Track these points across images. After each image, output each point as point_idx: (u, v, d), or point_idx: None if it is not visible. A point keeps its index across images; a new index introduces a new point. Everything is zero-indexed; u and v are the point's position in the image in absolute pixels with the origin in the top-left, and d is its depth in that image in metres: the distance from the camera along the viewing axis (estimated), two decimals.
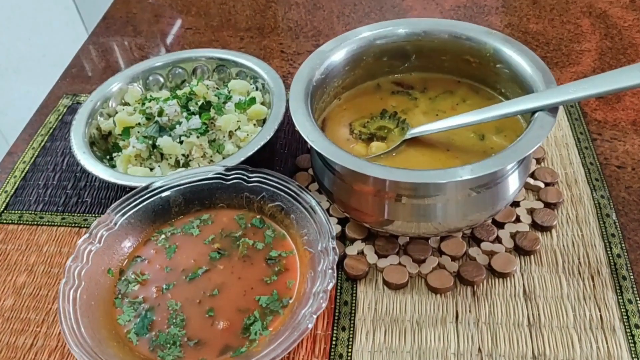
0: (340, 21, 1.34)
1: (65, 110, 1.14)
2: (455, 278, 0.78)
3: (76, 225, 0.91)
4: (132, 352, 0.66)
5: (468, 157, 0.82)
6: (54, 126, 1.11)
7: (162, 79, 1.07)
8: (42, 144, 1.07)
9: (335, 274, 0.68)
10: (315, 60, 0.86)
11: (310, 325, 0.63)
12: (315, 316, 0.64)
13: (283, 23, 1.35)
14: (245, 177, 0.81)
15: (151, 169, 0.91)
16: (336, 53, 0.88)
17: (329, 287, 0.66)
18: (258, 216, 0.81)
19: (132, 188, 0.81)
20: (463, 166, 0.69)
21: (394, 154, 0.82)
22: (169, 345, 0.67)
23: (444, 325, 0.74)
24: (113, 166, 0.92)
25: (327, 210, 0.86)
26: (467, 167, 0.68)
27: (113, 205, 0.78)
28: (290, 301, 0.71)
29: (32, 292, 0.82)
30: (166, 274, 0.75)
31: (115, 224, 0.77)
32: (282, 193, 0.79)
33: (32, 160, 1.04)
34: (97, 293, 0.71)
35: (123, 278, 0.75)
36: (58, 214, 0.93)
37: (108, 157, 0.95)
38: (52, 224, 0.92)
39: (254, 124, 0.96)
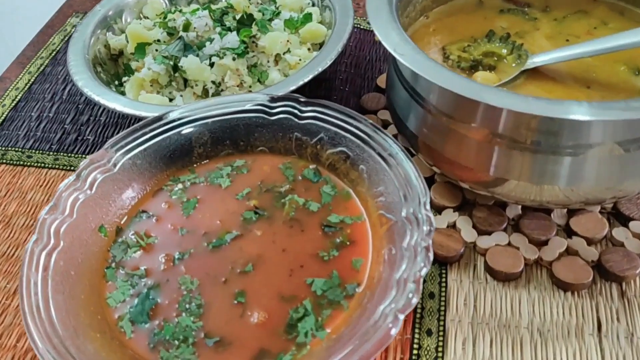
0: None
1: (72, 30, 0.93)
2: (594, 270, 0.54)
3: (71, 168, 0.70)
4: (122, 349, 0.45)
5: (617, 97, 0.57)
6: (57, 49, 0.89)
7: None
8: (42, 68, 0.86)
9: (431, 255, 0.44)
10: None
11: (394, 331, 0.40)
12: (402, 317, 0.41)
13: None
14: (296, 111, 0.58)
15: (170, 100, 0.69)
16: None
17: (422, 273, 0.43)
18: (312, 166, 0.58)
19: (142, 119, 0.59)
20: (629, 100, 0.44)
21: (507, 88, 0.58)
22: (177, 343, 0.45)
23: (580, 339, 0.50)
24: (122, 93, 0.70)
25: None
26: (635, 102, 0.44)
27: (113, 139, 0.56)
28: (359, 289, 0.48)
29: (7, 252, 0.61)
30: (181, 237, 0.53)
31: (114, 165, 0.55)
32: (348, 135, 0.56)
33: (27, 87, 0.83)
34: (81, 259, 0.50)
35: (120, 240, 0.53)
36: (51, 153, 0.73)
37: (116, 82, 0.73)
38: (42, 165, 0.71)
39: (309, 48, 0.72)
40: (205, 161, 0.60)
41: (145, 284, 0.49)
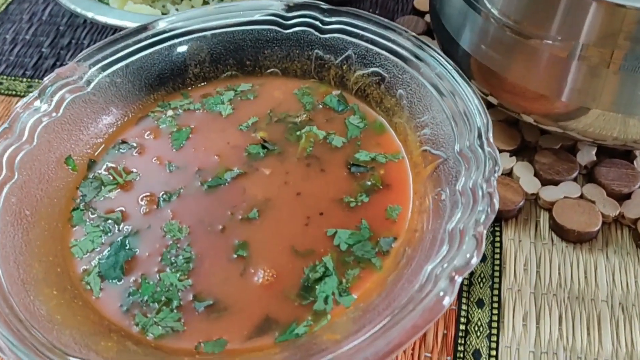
0: None
1: None
2: None
3: None
4: (84, 311, 0.34)
5: None
6: None
7: None
8: None
9: (496, 201, 0.33)
10: None
11: (447, 299, 0.29)
12: (459, 280, 0.30)
13: None
14: (318, 23, 0.46)
15: (164, 14, 0.57)
16: None
17: (485, 223, 0.32)
18: (336, 91, 0.46)
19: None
20: None
21: None
22: (157, 306, 0.35)
23: None
24: (105, 4, 0.59)
25: None
26: None
27: (87, 50, 0.45)
28: (395, 244, 0.36)
29: None
30: (168, 175, 0.42)
31: (87, 83, 0.44)
32: (383, 51, 0.44)
33: (4, 7, 0.72)
34: (40, 197, 0.39)
35: (92, 176, 0.42)
36: (24, 79, 0.61)
37: None
38: (13, 92, 0.60)
39: None
40: (202, 84, 0.48)
41: (121, 231, 0.39)
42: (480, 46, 0.44)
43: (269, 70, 0.48)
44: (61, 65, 0.63)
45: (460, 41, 0.47)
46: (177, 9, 0.56)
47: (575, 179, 0.46)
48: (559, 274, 0.42)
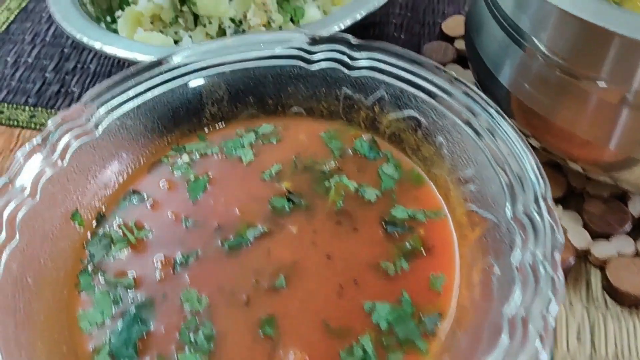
0: None
1: None
2: None
3: None
4: None
5: None
6: None
7: None
8: (23, 4, 0.70)
9: (561, 282, 0.29)
10: None
11: None
12: None
13: None
14: (346, 58, 0.42)
15: (176, 42, 0.53)
16: None
17: (552, 313, 0.28)
18: (367, 135, 0.42)
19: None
20: None
21: None
22: None
23: None
24: (114, 32, 0.55)
25: None
26: None
27: (94, 89, 0.41)
28: (441, 324, 0.33)
29: None
30: (185, 232, 0.38)
31: (95, 127, 0.40)
32: (420, 93, 0.40)
33: (5, 26, 0.68)
34: (45, 261, 0.35)
35: (101, 232, 0.38)
36: (26, 108, 0.58)
37: (108, 18, 0.57)
38: (14, 123, 0.56)
39: None
40: (220, 124, 0.44)
41: (133, 300, 0.35)
42: (522, 84, 0.40)
43: (292, 110, 0.44)
44: (66, 91, 0.59)
45: (499, 76, 0.43)
46: (190, 36, 0.52)
47: (631, 233, 0.42)
48: (615, 344, 0.38)
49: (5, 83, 0.61)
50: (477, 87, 0.49)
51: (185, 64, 0.43)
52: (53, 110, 0.57)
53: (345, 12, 0.48)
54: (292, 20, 0.53)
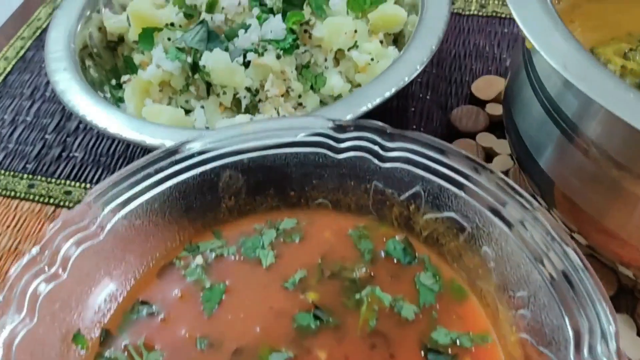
0: None
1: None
2: None
3: (51, 200, 0.51)
4: None
5: None
6: (43, 26, 0.69)
7: None
8: (22, 52, 0.67)
9: None
10: None
11: None
12: None
13: None
14: (377, 148, 0.38)
15: (187, 111, 0.49)
16: None
17: None
18: (400, 235, 0.38)
19: (147, 149, 0.39)
20: None
21: None
22: None
23: None
24: (119, 101, 0.51)
25: None
26: None
27: (99, 186, 0.37)
28: None
29: None
30: (199, 355, 0.34)
31: (100, 229, 0.36)
32: (462, 194, 0.36)
33: (2, 78, 0.64)
34: None
35: (107, 355, 0.34)
36: (25, 176, 0.54)
37: (114, 80, 0.53)
38: (12, 193, 0.52)
39: (381, 41, 0.52)
40: (237, 219, 0.40)
41: None
42: (567, 176, 0.36)
43: (317, 202, 0.40)
44: (68, 155, 0.55)
45: (541, 161, 0.39)
46: (202, 107, 0.48)
47: None
48: None
49: (3, 145, 0.57)
50: (515, 163, 0.46)
51: (200, 153, 0.39)
52: (53, 179, 0.53)
53: (374, 87, 0.44)
54: (312, 88, 0.49)
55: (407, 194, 0.38)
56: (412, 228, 0.38)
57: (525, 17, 0.33)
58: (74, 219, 0.36)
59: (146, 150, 0.48)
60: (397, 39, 0.54)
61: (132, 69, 0.52)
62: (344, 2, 0.52)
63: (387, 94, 0.43)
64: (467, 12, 0.64)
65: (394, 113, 0.55)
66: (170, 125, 0.44)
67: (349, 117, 0.42)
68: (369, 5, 0.52)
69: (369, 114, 0.43)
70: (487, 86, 0.55)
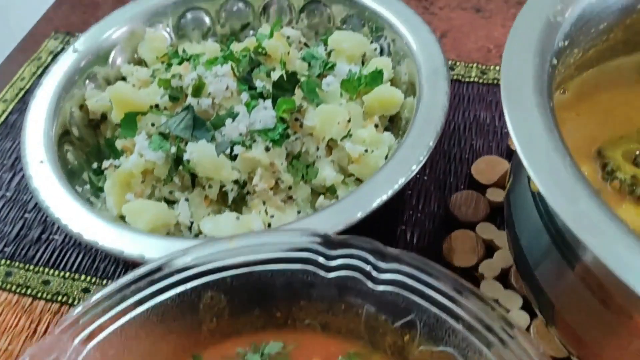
0: None
1: (49, 59, 0.69)
2: None
3: (29, 291, 0.49)
4: None
5: None
6: (26, 87, 0.67)
7: (207, 19, 0.60)
8: (4, 116, 0.64)
9: None
10: None
11: None
12: None
13: None
14: (369, 268, 0.35)
15: (169, 202, 0.46)
16: None
17: None
18: None
19: (129, 263, 0.37)
20: None
21: None
22: None
23: None
24: (99, 190, 0.48)
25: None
26: None
27: (70, 316, 0.34)
28: None
29: None
30: None
31: None
32: (461, 328, 0.33)
33: None
34: None
35: None
36: (2, 262, 0.51)
37: (95, 163, 0.51)
38: None
39: (376, 125, 0.49)
40: (219, 342, 0.38)
41: None
42: (569, 304, 0.34)
43: (305, 323, 0.38)
44: (48, 238, 0.52)
45: (542, 282, 0.37)
46: (187, 199, 0.45)
47: None
48: None
49: None
50: (516, 267, 0.43)
51: (180, 270, 0.37)
52: (31, 266, 0.50)
53: (370, 188, 0.41)
54: (303, 178, 0.46)
55: (400, 322, 0.35)
56: (406, 358, 0.36)
57: (531, 156, 0.30)
58: (42, 354, 0.33)
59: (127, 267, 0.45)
60: (394, 119, 0.51)
61: (114, 152, 0.50)
62: (338, 83, 0.50)
63: (379, 202, 0.40)
64: (467, 79, 0.61)
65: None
66: (151, 232, 0.41)
67: (339, 227, 0.39)
68: (364, 87, 0.49)
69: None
70: (488, 168, 0.52)
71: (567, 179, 0.29)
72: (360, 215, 0.39)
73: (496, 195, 0.50)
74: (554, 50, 0.35)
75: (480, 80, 0.61)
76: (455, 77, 0.62)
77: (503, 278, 0.47)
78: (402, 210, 0.52)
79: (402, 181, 0.41)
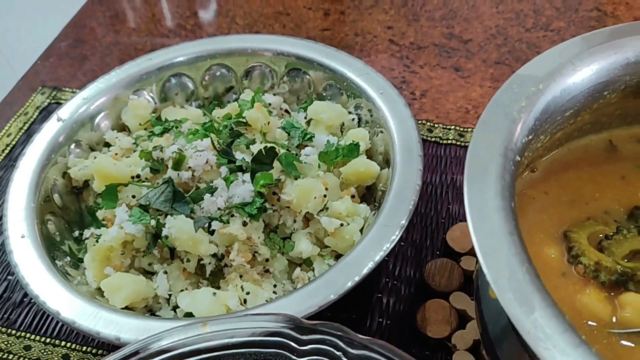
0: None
1: (36, 115, 0.70)
2: None
3: (10, 357, 0.49)
4: None
5: None
6: (14, 142, 0.67)
7: (191, 84, 0.61)
8: None
9: None
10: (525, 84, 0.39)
11: None
12: None
13: None
14: (340, 355, 0.36)
15: (148, 273, 0.47)
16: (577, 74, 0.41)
17: None
18: None
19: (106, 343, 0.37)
20: None
21: None
22: None
23: None
24: (79, 261, 0.49)
25: None
26: None
27: None
28: None
29: None
30: None
31: None
32: None
33: None
34: None
35: None
36: None
37: (78, 233, 0.52)
38: None
39: (353, 195, 0.50)
40: None
41: None
42: None
43: None
44: (30, 301, 0.53)
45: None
46: (165, 272, 0.46)
47: None
48: None
49: None
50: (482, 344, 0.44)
51: (154, 354, 0.37)
52: (13, 331, 0.50)
53: (338, 276, 0.42)
54: (280, 250, 0.47)
55: None
56: None
57: (491, 264, 0.31)
58: None
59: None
60: (370, 188, 0.52)
61: (95, 220, 0.51)
62: (316, 154, 0.51)
63: (357, 278, 0.41)
64: (445, 142, 0.63)
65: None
66: (129, 306, 0.42)
67: (313, 309, 0.40)
68: (342, 159, 0.51)
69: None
70: (462, 236, 0.53)
71: (525, 287, 0.30)
72: (332, 297, 0.40)
73: (470, 263, 0.52)
74: (517, 148, 0.36)
75: (458, 143, 0.63)
76: (433, 139, 0.63)
77: (475, 349, 0.48)
78: (378, 277, 0.53)
79: (371, 265, 0.42)
